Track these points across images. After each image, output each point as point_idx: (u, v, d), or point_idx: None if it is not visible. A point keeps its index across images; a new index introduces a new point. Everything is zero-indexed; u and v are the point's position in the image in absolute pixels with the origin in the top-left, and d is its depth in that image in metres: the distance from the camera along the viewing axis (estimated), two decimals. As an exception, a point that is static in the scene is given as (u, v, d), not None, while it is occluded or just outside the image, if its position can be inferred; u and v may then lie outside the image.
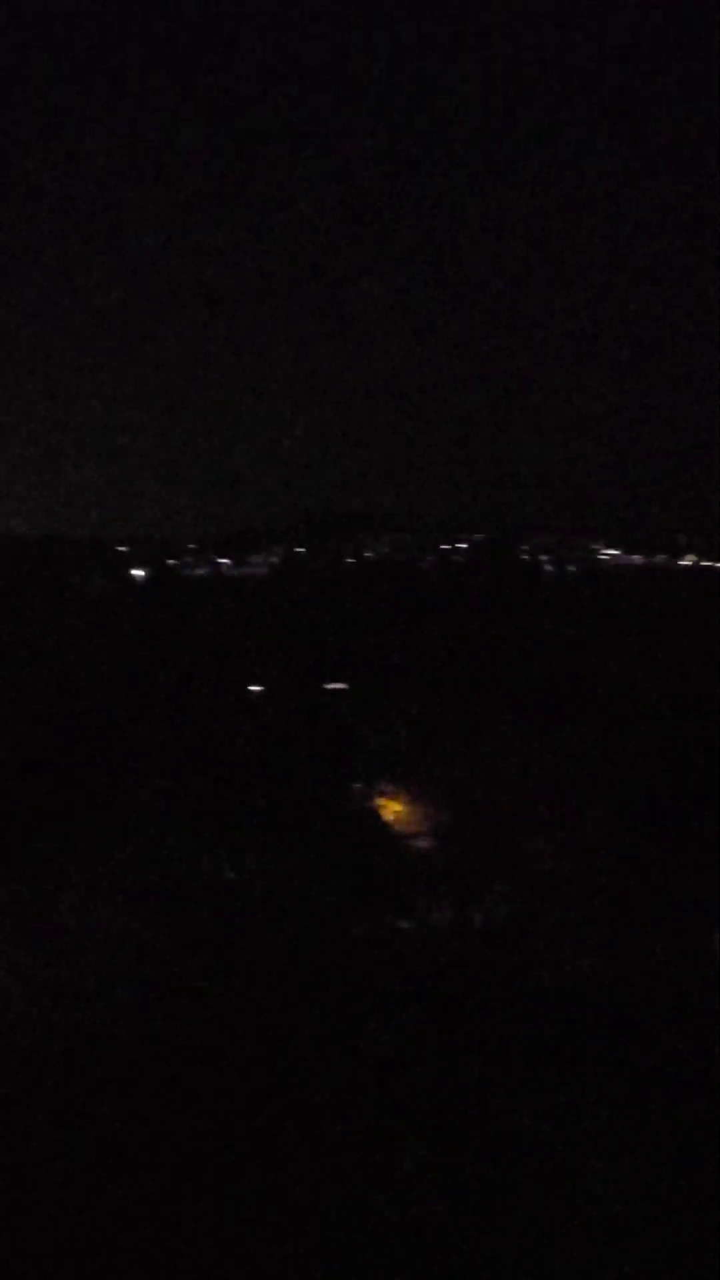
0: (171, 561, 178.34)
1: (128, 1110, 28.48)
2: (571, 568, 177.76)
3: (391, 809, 58.07)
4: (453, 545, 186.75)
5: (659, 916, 41.85)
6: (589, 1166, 26.26)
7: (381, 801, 58.91)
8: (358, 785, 60.79)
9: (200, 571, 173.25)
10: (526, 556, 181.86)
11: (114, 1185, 25.44)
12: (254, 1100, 29.22)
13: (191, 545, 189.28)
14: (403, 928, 43.05)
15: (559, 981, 36.57)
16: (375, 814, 57.29)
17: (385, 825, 55.83)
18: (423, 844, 53.24)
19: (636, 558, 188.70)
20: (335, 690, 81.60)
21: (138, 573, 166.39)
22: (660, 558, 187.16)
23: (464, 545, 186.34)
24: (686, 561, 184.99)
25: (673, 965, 37.91)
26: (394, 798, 59.23)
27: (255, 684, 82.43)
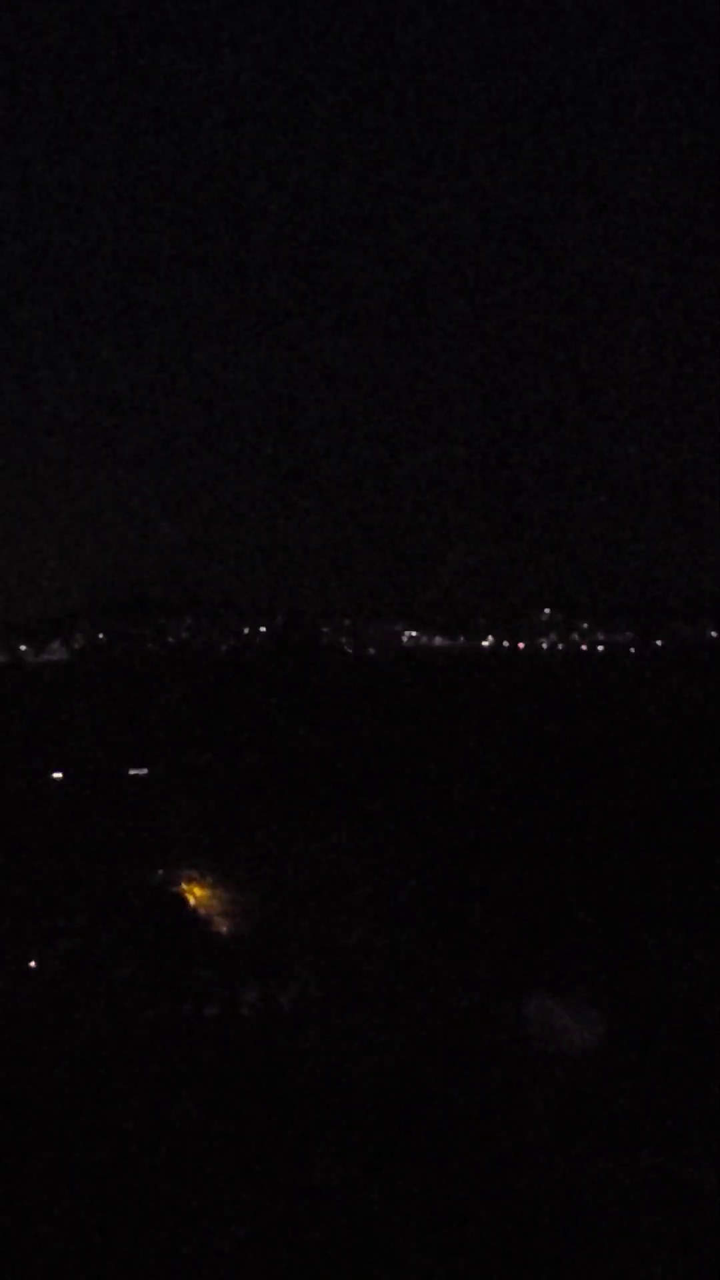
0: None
1: None
2: (371, 650, 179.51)
3: (195, 893, 57.58)
4: (254, 629, 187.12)
5: (463, 988, 42.20)
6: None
7: (185, 886, 58.37)
8: (160, 871, 60.15)
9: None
10: (326, 640, 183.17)
11: None
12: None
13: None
14: (209, 1014, 42.55)
15: (370, 1065, 36.43)
16: (179, 898, 56.74)
17: (189, 910, 55.31)
18: (226, 927, 52.88)
19: (439, 639, 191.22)
20: (137, 775, 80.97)
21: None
22: (461, 639, 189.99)
23: (264, 629, 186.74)
24: (487, 642, 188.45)
25: (478, 1037, 38.22)
26: (198, 882, 58.75)
27: (56, 770, 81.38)
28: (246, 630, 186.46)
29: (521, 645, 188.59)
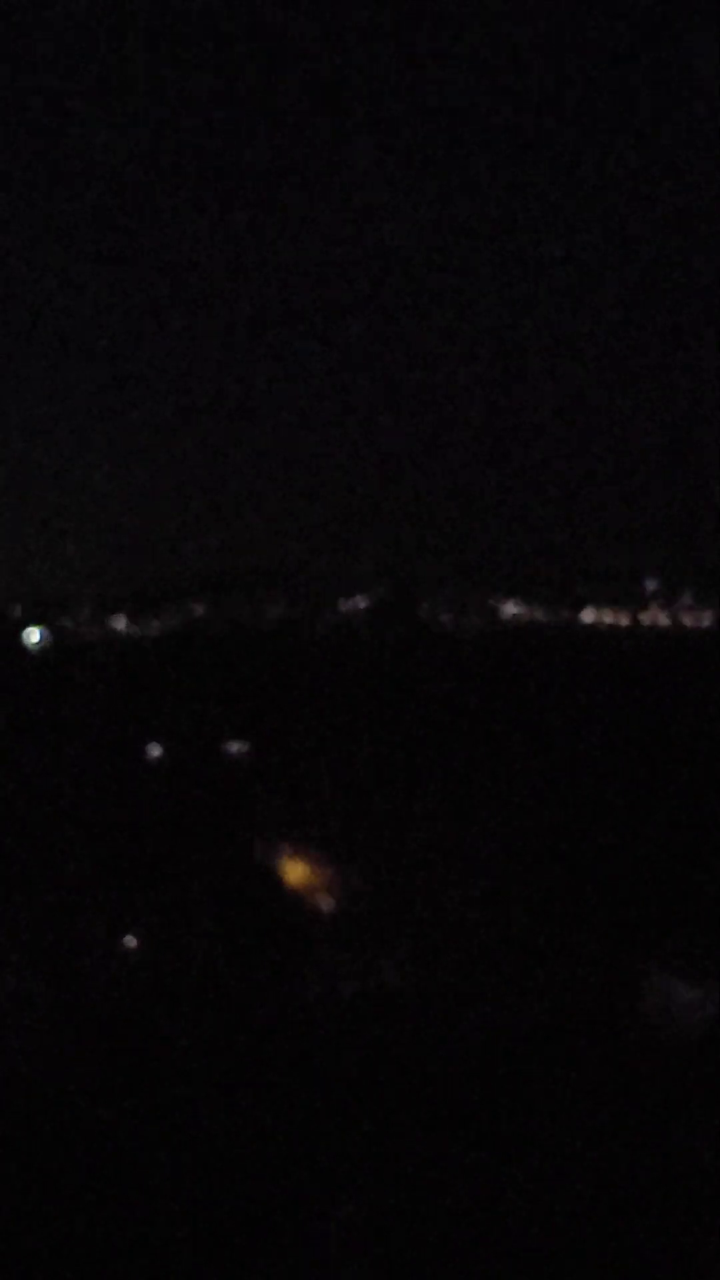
0: (68, 623, 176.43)
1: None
2: (472, 624, 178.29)
3: (294, 869, 56.58)
4: (352, 603, 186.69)
5: (579, 965, 40.92)
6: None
7: (283, 862, 57.40)
8: (258, 846, 59.29)
9: (97, 633, 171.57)
10: (425, 613, 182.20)
11: None
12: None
13: (87, 608, 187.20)
14: (310, 993, 41.65)
15: (480, 1045, 35.35)
16: (277, 875, 55.81)
17: (288, 886, 54.40)
18: (327, 905, 51.87)
19: (539, 613, 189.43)
20: (236, 750, 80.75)
21: (33, 636, 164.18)
22: (564, 612, 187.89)
23: (364, 604, 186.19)
24: (589, 617, 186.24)
25: (594, 1018, 36.95)
26: (297, 858, 57.73)
27: (154, 745, 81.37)
28: (345, 605, 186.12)
29: (624, 620, 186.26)
